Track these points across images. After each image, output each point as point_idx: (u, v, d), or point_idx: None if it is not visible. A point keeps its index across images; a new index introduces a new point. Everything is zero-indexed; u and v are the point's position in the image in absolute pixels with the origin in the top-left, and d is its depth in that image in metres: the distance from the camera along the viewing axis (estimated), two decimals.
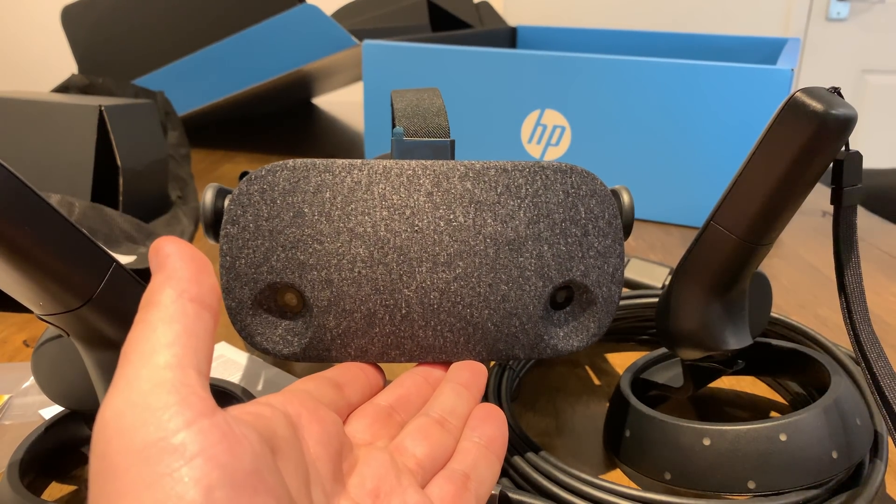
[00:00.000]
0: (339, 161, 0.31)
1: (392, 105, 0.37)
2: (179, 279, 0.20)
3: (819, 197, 0.87)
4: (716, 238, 0.32)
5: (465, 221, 0.31)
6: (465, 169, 0.31)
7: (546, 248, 0.31)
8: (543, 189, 0.31)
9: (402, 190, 0.31)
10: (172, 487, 0.16)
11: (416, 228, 0.31)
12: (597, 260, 0.32)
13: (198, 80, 0.97)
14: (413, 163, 0.31)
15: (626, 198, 0.33)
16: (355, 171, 0.31)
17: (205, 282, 0.21)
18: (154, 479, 0.16)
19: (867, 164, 0.39)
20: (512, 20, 1.97)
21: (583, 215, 0.32)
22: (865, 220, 0.80)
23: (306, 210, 0.30)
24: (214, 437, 0.17)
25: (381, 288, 0.30)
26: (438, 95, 0.36)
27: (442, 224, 0.31)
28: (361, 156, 1.04)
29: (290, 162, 0.31)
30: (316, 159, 0.31)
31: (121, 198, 0.62)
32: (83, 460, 0.36)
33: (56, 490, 0.34)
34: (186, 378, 0.18)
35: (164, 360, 0.18)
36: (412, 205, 0.31)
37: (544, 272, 0.31)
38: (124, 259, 0.54)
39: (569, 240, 0.31)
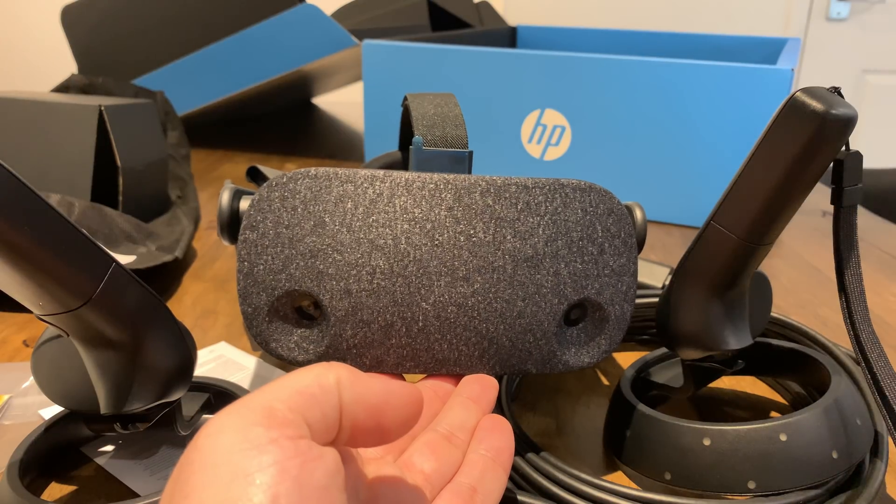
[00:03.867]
0: (362, 171, 0.31)
1: (407, 110, 0.37)
2: (350, 384, 0.21)
3: (819, 197, 0.87)
4: (716, 238, 0.32)
5: (484, 237, 0.31)
6: (486, 185, 0.31)
7: (563, 266, 0.31)
8: (562, 207, 0.31)
9: (423, 203, 0.31)
10: (245, 489, 0.17)
11: (437, 242, 0.31)
12: (611, 278, 0.32)
13: (198, 80, 0.97)
14: (435, 176, 0.31)
15: (638, 215, 0.33)
16: (377, 183, 0.31)
17: (368, 397, 0.22)
18: (230, 478, 0.18)
19: (867, 164, 0.39)
20: (512, 20, 1.97)
21: (599, 234, 0.32)
22: (865, 220, 0.80)
23: (327, 220, 0.30)
24: (290, 451, 0.19)
25: (400, 300, 0.31)
26: (456, 103, 0.36)
27: (462, 239, 0.31)
28: (361, 156, 1.04)
29: (312, 170, 0.31)
30: (338, 168, 0.31)
31: (121, 198, 0.62)
32: (83, 460, 0.36)
33: (56, 490, 0.34)
34: (289, 414, 0.20)
35: (281, 401, 0.20)
36: (433, 219, 0.31)
37: (560, 289, 0.31)
38: (124, 259, 0.54)
39: (585, 258, 0.32)
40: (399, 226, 0.31)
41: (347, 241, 0.30)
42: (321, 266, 0.30)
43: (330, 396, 0.21)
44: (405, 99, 0.37)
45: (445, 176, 0.31)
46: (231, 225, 0.32)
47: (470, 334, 0.31)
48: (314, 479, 0.19)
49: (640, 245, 0.33)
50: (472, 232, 0.31)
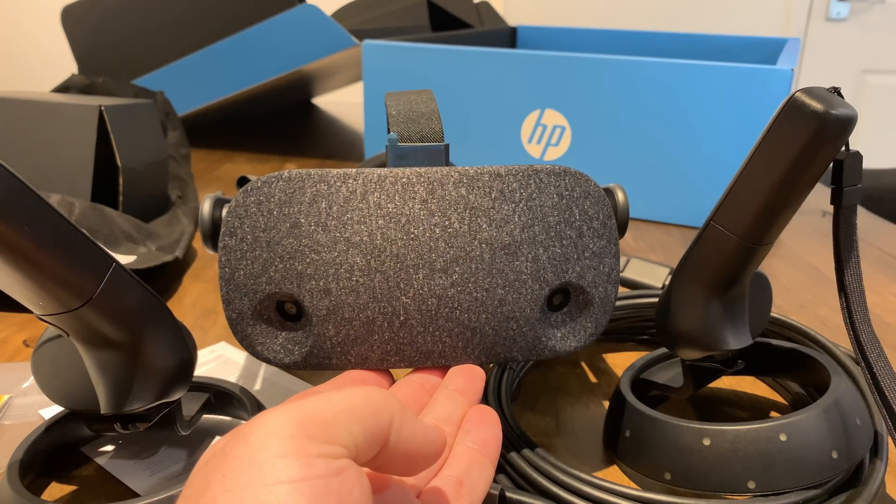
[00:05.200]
0: (334, 171, 0.31)
1: (386, 108, 0.37)
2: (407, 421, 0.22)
3: (819, 197, 0.87)
4: (716, 238, 0.32)
5: (460, 227, 0.31)
6: (458, 175, 0.31)
7: (541, 252, 0.31)
8: (537, 192, 0.31)
9: (396, 198, 0.31)
10: (264, 496, 0.17)
11: (412, 236, 0.31)
12: (592, 261, 0.32)
13: (198, 80, 0.97)
14: (407, 170, 0.31)
15: (620, 196, 0.33)
16: (350, 181, 0.31)
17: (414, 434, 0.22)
18: (273, 482, 0.18)
19: (867, 164, 0.39)
20: (512, 20, 1.97)
21: (577, 217, 0.32)
22: (865, 220, 0.80)
23: (303, 220, 0.31)
24: (333, 469, 0.19)
25: (379, 296, 0.31)
26: (432, 98, 0.36)
27: (437, 231, 0.31)
28: (361, 156, 1.04)
29: (286, 173, 0.31)
30: (311, 169, 0.31)
31: (121, 198, 0.62)
32: (83, 460, 0.36)
33: (56, 490, 0.34)
34: (344, 435, 0.20)
35: (340, 421, 0.20)
36: (407, 212, 0.31)
37: (540, 275, 0.31)
38: (124, 259, 0.54)
39: (564, 242, 0.32)
40: (374, 222, 0.31)
41: (324, 241, 0.31)
42: (300, 267, 0.30)
43: (382, 430, 0.21)
44: (385, 98, 0.37)
45: (418, 169, 0.31)
46: (213, 233, 0.32)
47: (452, 325, 0.31)
48: (350, 499, 0.19)
49: (623, 227, 0.33)
50: (447, 223, 0.31)
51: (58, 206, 0.53)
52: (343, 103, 1.48)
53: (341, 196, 0.31)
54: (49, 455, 0.35)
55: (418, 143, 0.34)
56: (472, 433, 0.28)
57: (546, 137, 0.78)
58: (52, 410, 0.40)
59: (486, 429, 0.28)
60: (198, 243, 0.68)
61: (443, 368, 0.32)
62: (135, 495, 0.33)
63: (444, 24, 1.23)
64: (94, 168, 0.61)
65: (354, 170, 0.31)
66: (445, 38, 1.04)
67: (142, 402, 0.29)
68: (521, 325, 0.32)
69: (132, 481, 0.34)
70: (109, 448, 0.37)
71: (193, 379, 0.34)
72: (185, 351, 0.31)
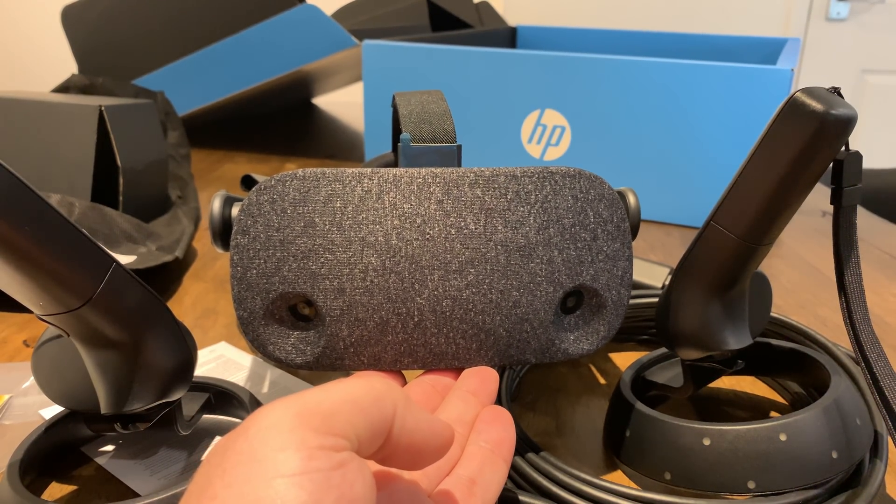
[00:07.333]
0: (349, 170, 0.31)
1: (395, 108, 0.37)
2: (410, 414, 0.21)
3: (819, 197, 0.87)
4: (716, 238, 0.32)
5: (475, 229, 0.31)
6: (474, 176, 0.31)
7: (556, 254, 0.31)
8: (553, 194, 0.31)
9: (412, 198, 0.31)
10: (286, 490, 0.17)
11: (428, 237, 0.31)
12: (606, 264, 0.32)
13: (198, 80, 0.97)
14: (423, 171, 0.31)
15: (632, 200, 0.33)
16: (365, 180, 0.31)
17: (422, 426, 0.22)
18: (273, 475, 0.18)
19: (867, 164, 0.39)
20: (512, 20, 1.97)
21: (592, 220, 0.32)
22: (865, 220, 0.80)
23: (317, 220, 0.30)
24: (335, 463, 0.18)
25: (394, 296, 0.30)
26: (443, 98, 0.36)
27: (453, 232, 0.31)
28: (361, 156, 1.04)
29: (300, 171, 0.31)
30: (325, 168, 0.31)
31: (121, 198, 0.62)
32: (83, 460, 0.36)
33: (56, 490, 0.34)
34: (345, 426, 0.19)
35: (340, 412, 0.19)
36: (423, 213, 0.31)
37: (555, 277, 0.31)
38: (124, 259, 0.54)
39: (578, 244, 0.31)
40: (389, 222, 0.31)
41: (338, 241, 0.30)
42: (314, 267, 0.30)
43: (384, 421, 0.21)
44: (394, 98, 0.37)
45: (433, 170, 0.31)
46: (224, 232, 0.32)
47: (466, 327, 0.31)
48: (352, 494, 0.19)
49: (635, 230, 0.33)
50: (462, 224, 0.31)
51: (58, 206, 0.53)
52: (343, 103, 1.48)
53: (356, 195, 0.31)
54: (49, 455, 0.35)
55: (431, 144, 0.34)
56: (484, 433, 0.28)
57: (546, 137, 0.78)
58: (52, 410, 0.40)
59: (499, 428, 0.28)
60: (198, 243, 0.68)
61: (456, 370, 0.32)
62: (135, 495, 0.33)
63: (444, 24, 1.23)
64: (94, 168, 0.61)
65: (369, 169, 0.31)
66: (445, 38, 1.04)
67: (142, 402, 0.29)
68: (534, 327, 0.32)
69: (132, 481, 0.34)
70: (109, 448, 0.37)
71: (193, 379, 0.34)
72: (185, 351, 0.31)
